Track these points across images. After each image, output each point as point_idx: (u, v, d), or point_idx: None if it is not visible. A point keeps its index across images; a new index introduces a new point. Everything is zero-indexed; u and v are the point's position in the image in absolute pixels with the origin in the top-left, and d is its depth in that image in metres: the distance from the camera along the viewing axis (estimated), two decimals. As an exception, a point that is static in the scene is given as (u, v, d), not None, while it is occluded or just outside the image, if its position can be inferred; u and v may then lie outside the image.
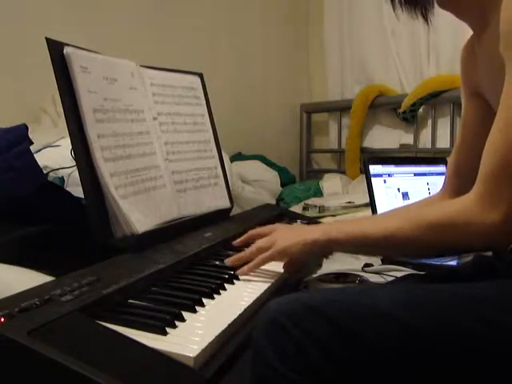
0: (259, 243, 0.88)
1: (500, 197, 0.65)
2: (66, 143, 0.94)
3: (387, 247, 0.78)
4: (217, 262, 0.90)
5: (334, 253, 0.90)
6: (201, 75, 1.24)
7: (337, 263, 1.14)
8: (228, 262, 0.88)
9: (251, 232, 0.98)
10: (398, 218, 0.78)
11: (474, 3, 0.78)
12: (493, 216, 0.65)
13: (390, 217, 0.80)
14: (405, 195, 1.36)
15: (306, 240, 0.82)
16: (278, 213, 1.36)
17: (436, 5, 0.82)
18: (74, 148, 0.83)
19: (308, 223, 1.30)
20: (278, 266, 0.90)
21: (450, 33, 2.17)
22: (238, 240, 0.98)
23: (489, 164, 0.67)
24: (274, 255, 0.85)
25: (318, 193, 2.33)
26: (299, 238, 0.84)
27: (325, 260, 1.11)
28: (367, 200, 1.36)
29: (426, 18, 0.82)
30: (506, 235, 0.67)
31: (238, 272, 0.84)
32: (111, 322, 0.60)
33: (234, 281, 0.82)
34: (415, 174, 1.42)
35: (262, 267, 0.89)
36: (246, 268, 0.85)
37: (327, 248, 0.84)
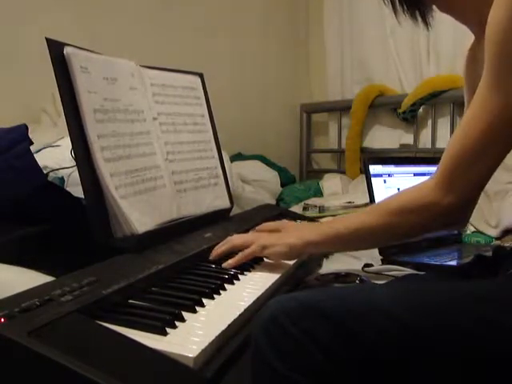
0: (237, 242, 0.91)
1: (455, 183, 0.73)
2: (66, 143, 0.94)
3: (359, 241, 0.85)
4: (216, 263, 0.90)
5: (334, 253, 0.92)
6: (201, 75, 1.24)
7: (337, 263, 1.14)
8: (211, 256, 0.91)
9: (260, 227, 1.02)
10: (365, 211, 0.86)
11: (471, 8, 0.79)
12: (448, 199, 0.73)
13: (361, 212, 0.86)
14: (405, 195, 1.36)
15: (285, 243, 0.87)
16: (278, 213, 1.36)
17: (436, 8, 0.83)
18: (73, 148, 0.83)
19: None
20: (277, 267, 0.90)
21: (450, 33, 2.17)
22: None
23: (450, 155, 0.74)
24: (254, 251, 0.89)
25: (318, 193, 2.32)
26: (279, 241, 0.88)
27: (325, 260, 1.11)
28: (367, 200, 1.36)
29: (425, 22, 0.83)
30: (460, 216, 0.76)
31: (224, 265, 0.87)
32: (111, 322, 0.59)
33: (234, 281, 0.82)
34: (415, 174, 1.42)
35: (262, 268, 0.89)
36: (231, 261, 0.88)
37: (304, 250, 0.89)
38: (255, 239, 0.90)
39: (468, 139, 0.71)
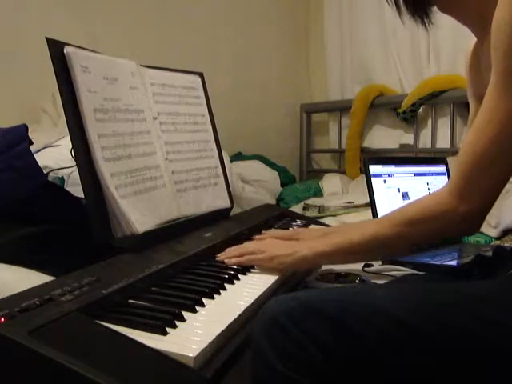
0: (250, 248, 0.91)
1: (470, 190, 0.71)
2: (66, 143, 0.94)
3: (373, 251, 0.84)
4: (217, 262, 0.90)
5: None
6: (201, 75, 1.24)
7: (337, 263, 1.14)
8: (220, 258, 0.91)
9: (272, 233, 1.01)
10: (378, 221, 0.85)
11: (473, 9, 0.78)
12: (463, 207, 0.72)
13: (373, 222, 0.84)
14: (405, 195, 1.36)
15: (296, 255, 0.86)
16: (278, 213, 1.36)
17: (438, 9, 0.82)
18: (74, 148, 0.83)
19: (307, 223, 1.30)
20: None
21: (450, 33, 2.17)
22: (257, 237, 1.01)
23: (463, 162, 0.72)
24: (263, 259, 0.88)
25: (318, 193, 2.32)
26: (290, 251, 0.87)
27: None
28: (367, 200, 1.36)
29: (427, 22, 0.83)
30: (475, 224, 0.75)
31: (226, 261, 0.88)
32: (111, 322, 0.59)
33: (234, 281, 0.82)
34: (415, 174, 1.42)
35: (262, 268, 0.89)
36: (234, 260, 0.88)
37: (316, 262, 0.89)
38: (266, 249, 0.90)
39: (480, 145, 0.70)
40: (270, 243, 0.94)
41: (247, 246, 0.94)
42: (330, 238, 0.87)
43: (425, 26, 0.83)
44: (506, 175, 0.71)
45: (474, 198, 0.71)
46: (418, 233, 0.77)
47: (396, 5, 0.82)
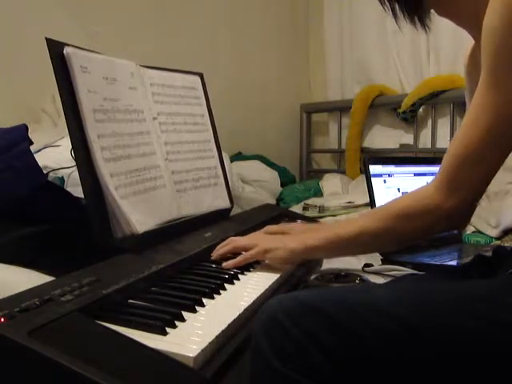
0: (242, 242, 0.92)
1: (457, 185, 0.72)
2: (66, 143, 0.94)
3: (359, 246, 0.85)
4: (217, 263, 0.90)
5: None
6: (201, 75, 1.24)
7: (337, 263, 1.14)
8: (213, 256, 0.91)
9: (265, 229, 1.00)
10: (366, 215, 0.85)
11: (469, 12, 0.79)
12: (450, 202, 0.72)
13: (361, 216, 0.85)
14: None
15: (286, 248, 0.87)
16: (278, 213, 1.36)
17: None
18: (73, 148, 0.83)
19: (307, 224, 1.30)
20: (278, 267, 0.90)
21: (450, 33, 2.17)
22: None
23: (449, 157, 0.73)
24: (255, 255, 0.89)
25: (318, 193, 2.33)
26: (280, 245, 0.88)
27: (325, 260, 1.11)
28: (367, 200, 1.36)
29: (424, 26, 0.83)
30: (462, 218, 0.76)
31: (224, 265, 0.88)
32: (111, 322, 0.60)
33: (234, 281, 0.82)
34: (415, 174, 1.42)
35: (262, 267, 0.89)
36: (230, 262, 0.88)
37: (305, 255, 0.88)
38: (258, 242, 0.90)
39: (469, 140, 0.70)
40: (261, 237, 0.95)
41: (238, 239, 0.94)
42: (320, 232, 0.88)
43: (424, 29, 0.83)
44: (492, 171, 0.71)
45: (460, 194, 0.72)
46: (406, 228, 0.78)
47: (392, 11, 0.82)
